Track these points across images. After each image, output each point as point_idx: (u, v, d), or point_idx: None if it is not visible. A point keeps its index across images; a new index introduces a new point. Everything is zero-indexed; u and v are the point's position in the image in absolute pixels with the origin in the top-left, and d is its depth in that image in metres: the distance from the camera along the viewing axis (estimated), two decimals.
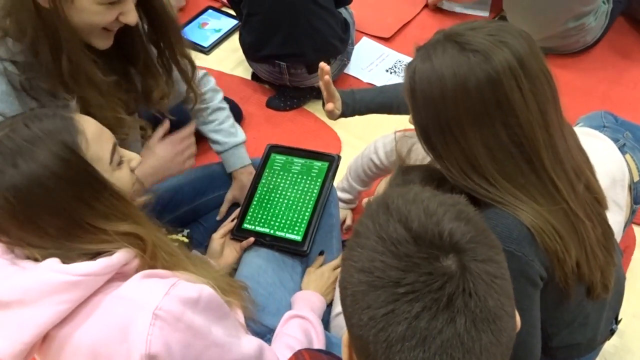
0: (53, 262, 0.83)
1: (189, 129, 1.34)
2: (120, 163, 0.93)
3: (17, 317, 0.82)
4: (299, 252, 1.35)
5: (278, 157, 1.50)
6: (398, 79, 2.18)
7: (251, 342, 0.96)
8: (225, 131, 1.47)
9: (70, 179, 0.83)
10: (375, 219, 0.59)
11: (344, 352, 0.65)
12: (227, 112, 1.50)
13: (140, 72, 1.19)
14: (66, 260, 0.83)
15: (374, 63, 2.26)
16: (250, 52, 2.06)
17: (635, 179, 1.46)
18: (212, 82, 1.47)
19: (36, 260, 0.85)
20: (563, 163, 0.91)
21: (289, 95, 2.11)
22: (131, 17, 1.04)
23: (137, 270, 0.87)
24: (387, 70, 2.23)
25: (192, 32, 2.40)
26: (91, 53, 1.06)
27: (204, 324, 0.85)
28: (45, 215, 0.83)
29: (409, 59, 2.24)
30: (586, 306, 1.03)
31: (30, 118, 0.85)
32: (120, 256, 0.85)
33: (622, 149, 1.47)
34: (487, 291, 0.54)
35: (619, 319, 1.21)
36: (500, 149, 0.87)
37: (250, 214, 1.40)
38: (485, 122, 0.86)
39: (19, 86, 1.04)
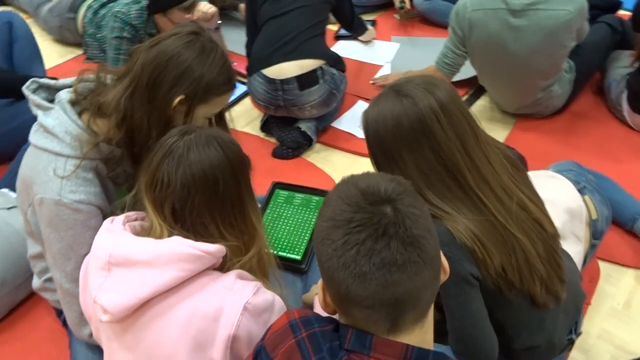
0: (180, 238, 0.98)
1: None
2: None
3: (141, 275, 0.96)
4: (298, 270, 1.52)
5: (281, 192, 1.71)
6: None
7: None
8: None
9: (246, 178, 1.09)
10: (337, 189, 0.81)
11: (319, 295, 0.84)
12: None
13: None
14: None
15: None
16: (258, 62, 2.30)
17: (594, 217, 1.65)
18: None
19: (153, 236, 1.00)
20: (489, 183, 1.12)
21: (290, 145, 2.33)
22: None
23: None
24: None
25: None
26: None
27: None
28: (229, 201, 1.04)
29: None
30: (540, 310, 1.17)
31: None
32: (223, 247, 1.01)
33: (582, 190, 1.65)
34: (411, 225, 0.74)
35: (579, 331, 1.34)
36: (429, 169, 1.10)
37: None
38: (416, 148, 1.10)
39: (105, 178, 1.25)
